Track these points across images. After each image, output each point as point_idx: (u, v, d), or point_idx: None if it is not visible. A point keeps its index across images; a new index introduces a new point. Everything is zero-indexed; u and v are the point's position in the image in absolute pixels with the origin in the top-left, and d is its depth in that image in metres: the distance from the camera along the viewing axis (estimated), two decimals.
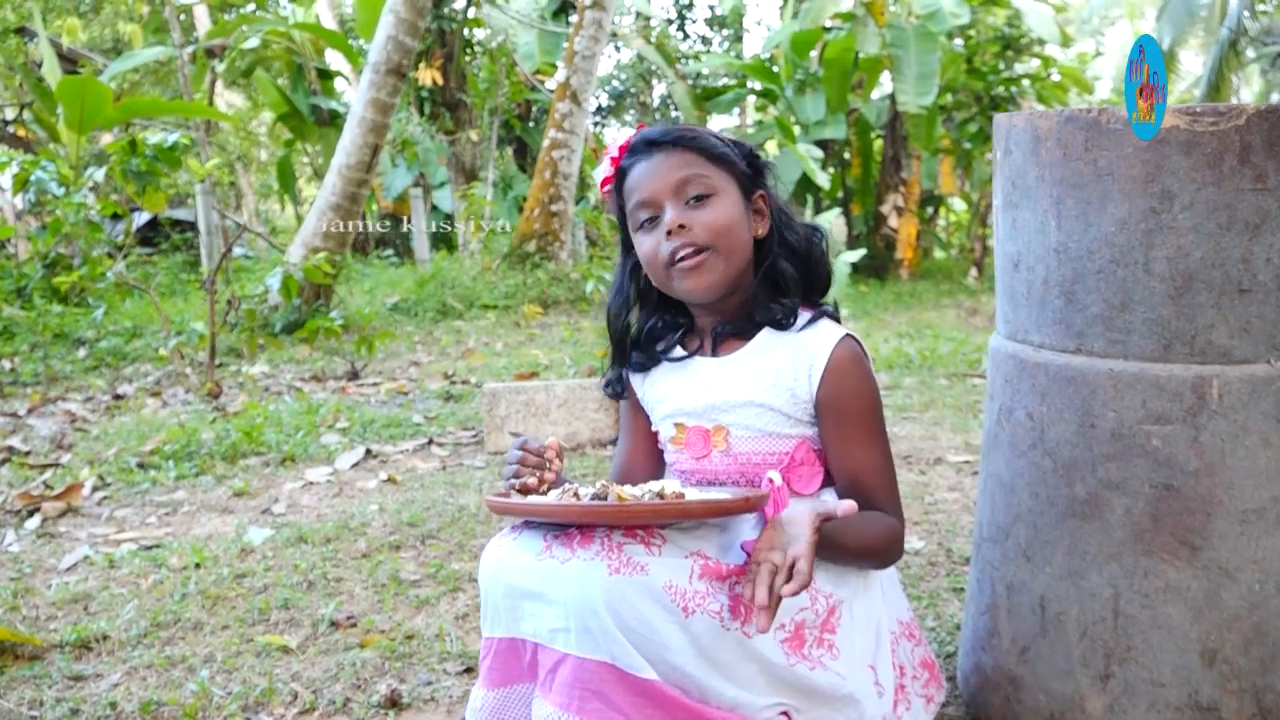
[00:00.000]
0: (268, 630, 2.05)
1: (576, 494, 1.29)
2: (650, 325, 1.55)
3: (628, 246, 1.52)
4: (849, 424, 1.41)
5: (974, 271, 12.50)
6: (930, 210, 13.96)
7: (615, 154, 1.48)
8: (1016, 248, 1.46)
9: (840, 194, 12.79)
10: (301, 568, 2.37)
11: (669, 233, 1.40)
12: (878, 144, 12.81)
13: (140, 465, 3.41)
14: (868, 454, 1.41)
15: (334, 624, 2.07)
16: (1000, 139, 1.48)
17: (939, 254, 14.65)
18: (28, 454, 3.65)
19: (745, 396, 1.43)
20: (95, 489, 3.17)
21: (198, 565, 2.42)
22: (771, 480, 1.37)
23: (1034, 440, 1.45)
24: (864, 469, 1.41)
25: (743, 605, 1.27)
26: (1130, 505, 1.37)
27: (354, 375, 5.28)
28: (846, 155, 12.84)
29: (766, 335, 1.45)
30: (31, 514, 2.92)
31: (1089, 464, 1.39)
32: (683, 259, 1.40)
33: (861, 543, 1.35)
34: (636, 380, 1.58)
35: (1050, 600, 1.45)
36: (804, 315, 1.46)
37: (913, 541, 2.45)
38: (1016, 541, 1.49)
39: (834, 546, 1.31)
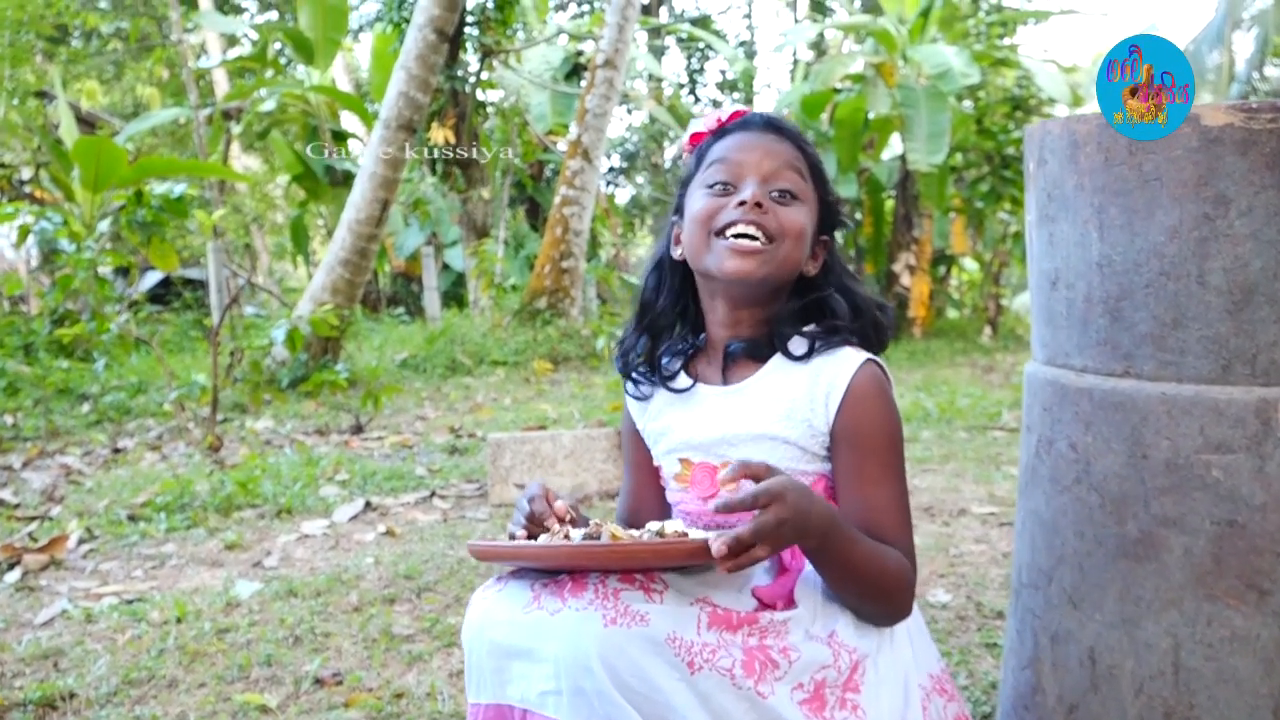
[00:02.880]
0: (247, 688, 1.91)
1: (567, 535, 1.16)
2: (656, 346, 1.42)
3: (677, 210, 1.40)
4: (866, 457, 1.26)
5: (988, 330, 12.38)
6: (942, 270, 13.90)
7: (725, 116, 1.37)
8: (1054, 264, 1.35)
9: (852, 253, 12.74)
10: (288, 622, 2.23)
11: (742, 202, 1.27)
12: (889, 204, 12.80)
13: (130, 517, 3.28)
14: (884, 491, 1.26)
15: (318, 681, 1.92)
16: (1033, 148, 1.38)
17: (952, 313, 14.54)
18: (17, 506, 3.54)
19: (757, 429, 1.29)
20: (82, 541, 3.05)
21: (179, 620, 2.28)
22: None
23: (1078, 474, 1.32)
24: (878, 507, 1.25)
25: (757, 661, 1.13)
26: (1189, 544, 1.23)
27: (358, 429, 5.17)
28: (858, 215, 12.83)
29: (780, 361, 1.31)
30: (13, 567, 2.79)
31: (1141, 499, 1.25)
32: (740, 236, 1.27)
33: (875, 562, 1.20)
34: (636, 411, 1.44)
35: (1101, 652, 1.30)
36: (824, 340, 1.33)
37: (939, 595, 2.29)
38: (1061, 586, 1.35)
39: (846, 549, 1.17)
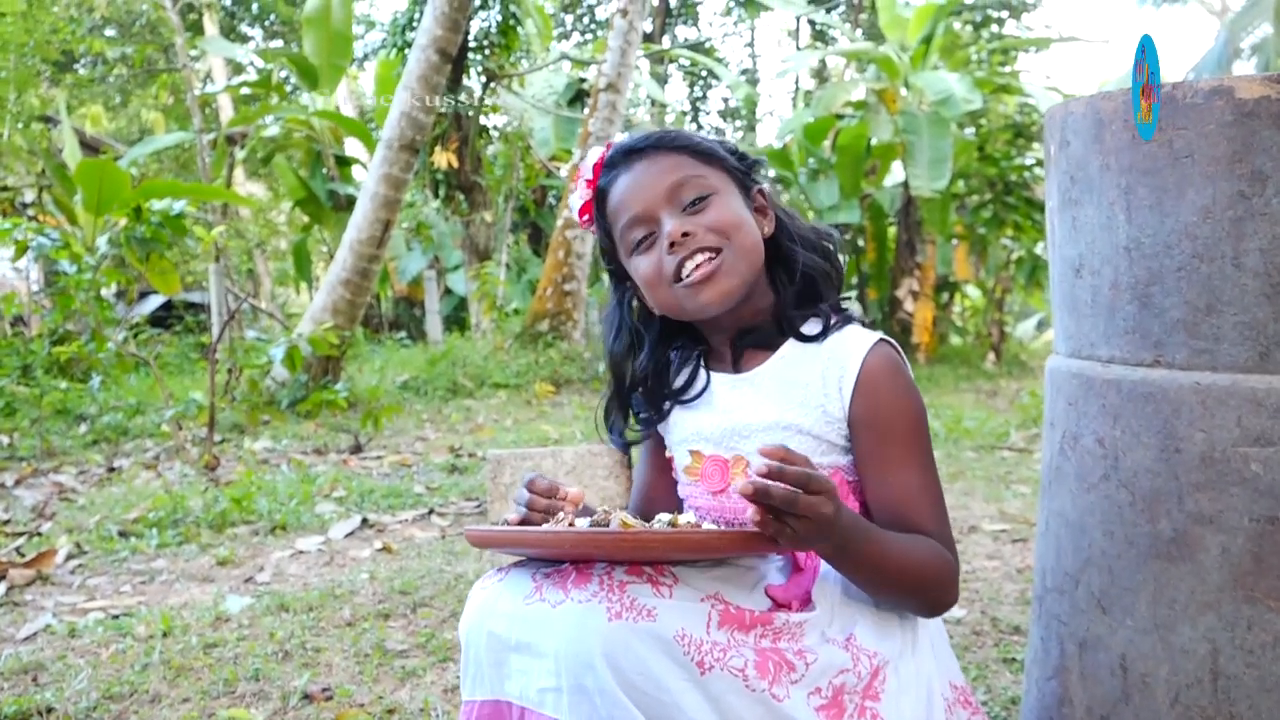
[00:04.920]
0: (233, 703, 1.83)
1: (572, 523, 1.10)
2: (656, 363, 1.34)
3: (618, 277, 1.33)
4: (887, 442, 1.20)
5: (992, 356, 12.32)
6: (945, 296, 13.86)
7: (590, 175, 1.29)
8: (1078, 250, 1.29)
9: (855, 279, 12.71)
10: (278, 636, 2.16)
11: (671, 244, 1.21)
12: (892, 231, 12.78)
13: (121, 533, 3.21)
14: (911, 477, 1.19)
15: (307, 696, 1.85)
16: (1054, 131, 1.32)
17: (955, 340, 14.47)
18: (6, 522, 3.46)
19: (770, 418, 1.23)
20: (70, 557, 2.97)
21: (165, 634, 2.20)
22: None
23: (1106, 470, 1.25)
24: (907, 495, 1.18)
25: (771, 662, 1.06)
26: (1227, 543, 1.16)
27: (357, 449, 5.10)
28: (860, 242, 12.81)
29: (792, 346, 1.26)
30: None
31: (1174, 495, 1.19)
32: (692, 270, 1.21)
33: (905, 560, 1.13)
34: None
35: (1133, 659, 1.23)
36: (828, 318, 1.27)
37: (953, 610, 2.21)
38: (1089, 590, 1.28)
39: (870, 553, 1.10)
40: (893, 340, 1.24)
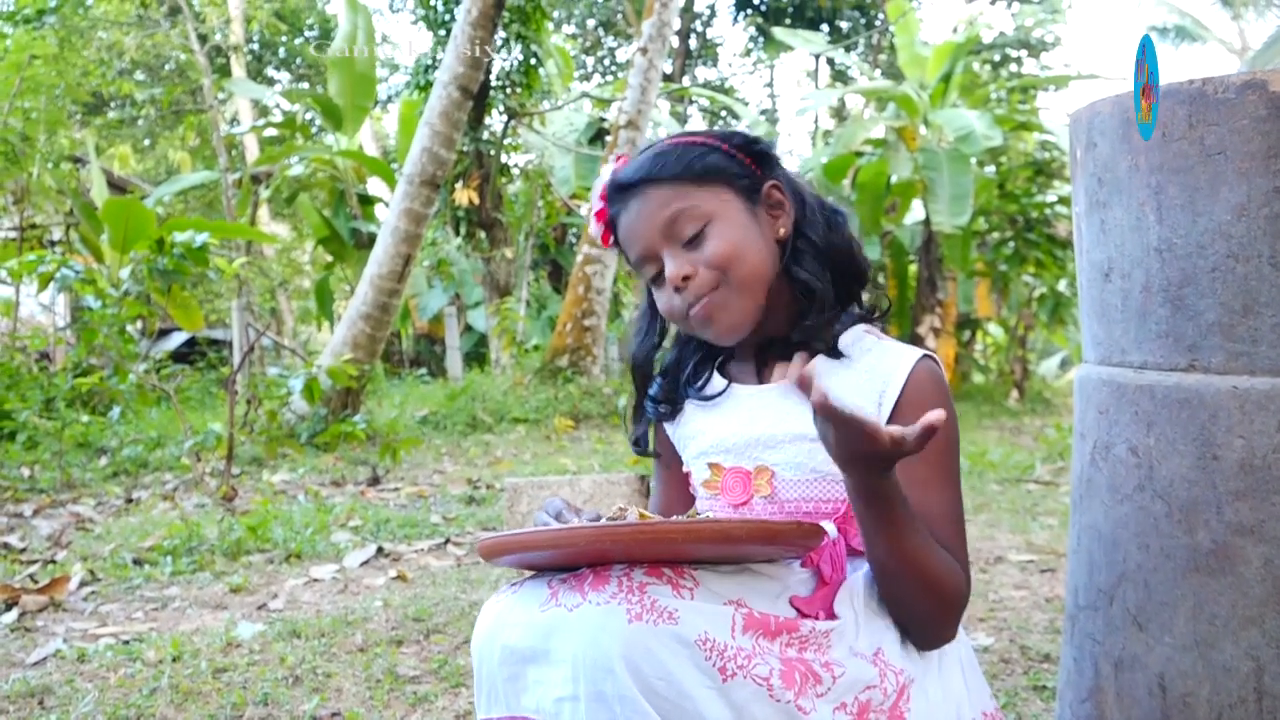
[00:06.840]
0: None
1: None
2: (681, 357, 1.34)
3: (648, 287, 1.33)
4: (923, 460, 1.13)
5: (1015, 393, 12.20)
6: (967, 334, 13.78)
7: (598, 207, 1.29)
8: (1106, 254, 1.25)
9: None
10: (289, 662, 2.12)
11: (675, 289, 1.21)
12: (913, 268, 12.74)
13: (136, 561, 3.18)
14: (940, 497, 1.16)
15: None
16: (1080, 132, 1.29)
17: (978, 378, 14.36)
18: (23, 551, 3.45)
19: (797, 429, 1.19)
20: (84, 584, 2.95)
21: (175, 659, 2.17)
22: (824, 532, 1.13)
23: (1140, 480, 1.21)
24: (932, 514, 1.14)
25: (797, 673, 1.02)
26: (1270, 554, 1.10)
27: (375, 481, 5.08)
28: (881, 279, 12.77)
29: (820, 360, 1.22)
30: (10, 607, 2.69)
31: (1213, 505, 1.14)
32: (698, 310, 1.21)
33: (927, 554, 1.09)
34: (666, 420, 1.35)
35: (1172, 678, 1.17)
36: (861, 333, 1.25)
37: (980, 638, 2.15)
38: (1124, 606, 1.22)
39: (901, 524, 1.06)
40: (935, 355, 1.21)
